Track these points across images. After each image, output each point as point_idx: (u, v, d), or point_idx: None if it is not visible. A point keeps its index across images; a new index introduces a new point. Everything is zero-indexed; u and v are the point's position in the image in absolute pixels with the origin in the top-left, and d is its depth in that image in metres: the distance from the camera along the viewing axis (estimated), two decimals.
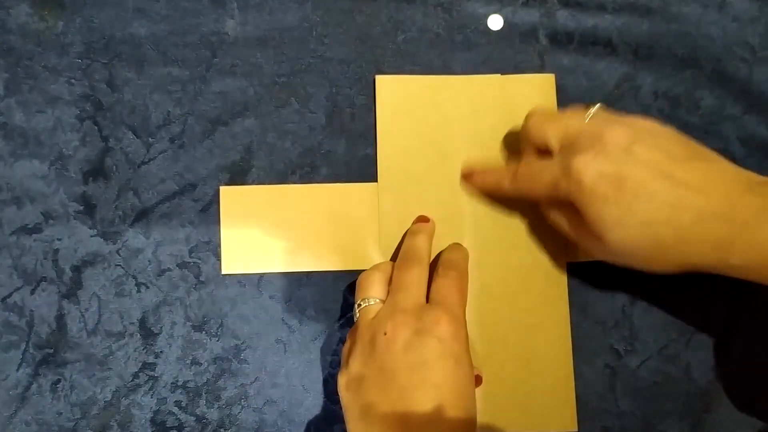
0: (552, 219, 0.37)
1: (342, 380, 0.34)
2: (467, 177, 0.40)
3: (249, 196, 0.39)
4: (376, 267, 0.37)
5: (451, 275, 0.36)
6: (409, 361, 0.32)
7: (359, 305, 0.35)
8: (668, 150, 0.32)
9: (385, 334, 0.33)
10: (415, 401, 0.31)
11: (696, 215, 0.31)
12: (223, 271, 0.39)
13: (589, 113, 0.35)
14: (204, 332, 0.39)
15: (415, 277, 0.35)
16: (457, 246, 0.39)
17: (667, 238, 0.31)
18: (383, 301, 0.35)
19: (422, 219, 0.39)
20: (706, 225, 0.30)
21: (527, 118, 0.37)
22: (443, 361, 0.32)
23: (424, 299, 0.35)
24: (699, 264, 0.32)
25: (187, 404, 0.39)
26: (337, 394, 0.34)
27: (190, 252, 0.39)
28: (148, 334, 0.39)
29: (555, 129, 0.35)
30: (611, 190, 0.32)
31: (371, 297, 0.35)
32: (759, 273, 0.30)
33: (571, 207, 0.34)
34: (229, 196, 0.39)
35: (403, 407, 0.31)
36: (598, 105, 0.35)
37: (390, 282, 0.36)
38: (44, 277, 0.39)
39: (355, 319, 0.35)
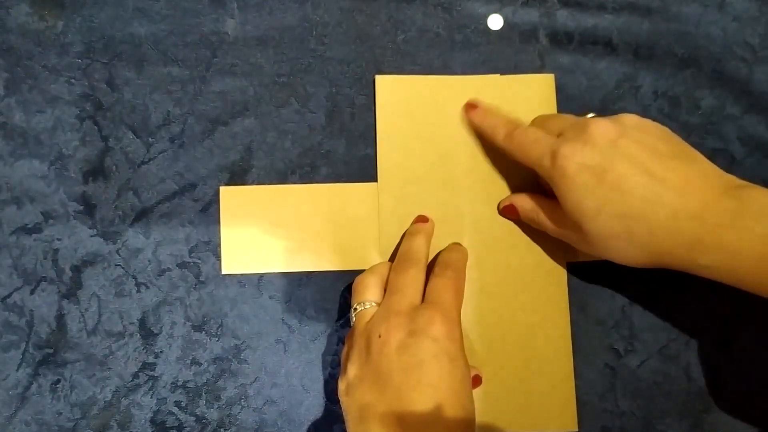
0: (529, 203, 0.38)
1: (342, 385, 0.34)
2: (470, 107, 0.40)
3: (249, 196, 0.39)
4: (371, 270, 0.37)
5: (447, 275, 0.36)
6: (403, 363, 0.32)
7: (355, 309, 0.35)
8: (653, 147, 0.33)
9: (380, 336, 0.33)
10: (412, 402, 0.31)
11: (671, 213, 0.31)
12: (224, 271, 0.39)
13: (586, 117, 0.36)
14: (204, 332, 0.39)
15: (410, 279, 0.35)
16: (455, 246, 0.39)
17: (641, 232, 0.32)
18: (379, 304, 0.35)
19: (421, 219, 0.39)
20: (679, 223, 0.31)
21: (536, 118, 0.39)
22: (438, 360, 0.32)
23: (419, 300, 0.35)
24: (670, 262, 0.32)
25: (187, 404, 0.39)
26: (337, 394, 0.34)
27: (190, 252, 0.39)
28: (148, 334, 0.39)
29: (556, 120, 0.37)
30: (592, 180, 0.33)
31: (366, 300, 0.35)
32: (727, 275, 0.31)
33: (549, 189, 0.35)
34: (229, 196, 0.39)
35: (399, 408, 0.31)
36: (591, 114, 0.37)
37: (386, 284, 0.36)
38: (44, 277, 0.39)
39: (351, 324, 0.35)
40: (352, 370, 0.33)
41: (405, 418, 0.31)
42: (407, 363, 0.32)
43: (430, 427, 0.31)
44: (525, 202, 0.38)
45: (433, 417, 0.31)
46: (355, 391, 0.33)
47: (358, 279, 0.36)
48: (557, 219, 0.36)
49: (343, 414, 0.33)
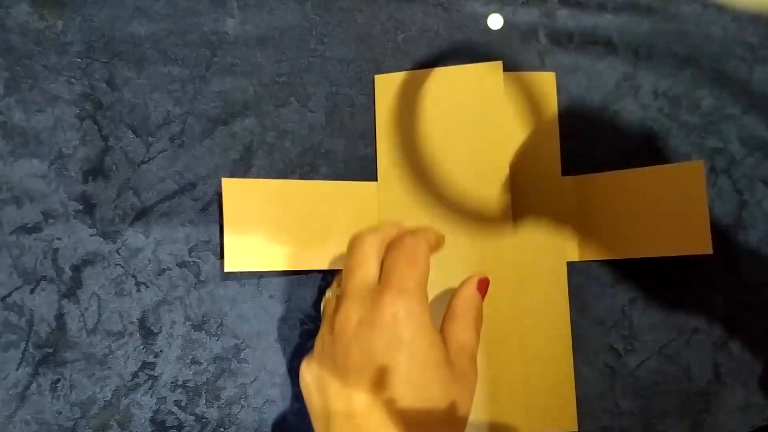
0: None
1: (305, 378, 0.32)
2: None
3: (251, 190, 0.39)
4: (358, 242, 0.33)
5: (396, 251, 0.31)
6: (358, 357, 0.29)
7: (330, 292, 0.34)
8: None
9: (333, 330, 0.31)
10: (368, 399, 0.29)
11: None
12: (226, 269, 0.39)
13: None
14: (204, 332, 0.39)
15: (363, 254, 0.32)
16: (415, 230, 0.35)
17: None
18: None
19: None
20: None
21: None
22: (391, 349, 0.29)
23: (373, 280, 0.31)
24: None
25: (186, 404, 0.39)
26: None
27: (190, 251, 0.39)
28: (147, 333, 0.39)
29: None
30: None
31: (330, 290, 0.33)
32: None
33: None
34: (232, 188, 0.39)
35: (358, 405, 0.29)
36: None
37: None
38: (44, 276, 0.39)
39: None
40: (314, 364, 0.31)
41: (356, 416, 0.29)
42: (361, 359, 0.29)
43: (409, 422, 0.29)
44: None
45: (395, 418, 0.29)
46: (319, 388, 0.31)
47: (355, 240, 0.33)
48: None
49: (308, 409, 0.32)
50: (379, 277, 0.31)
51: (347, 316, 0.30)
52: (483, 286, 0.34)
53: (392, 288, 0.30)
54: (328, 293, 0.34)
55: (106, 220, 0.39)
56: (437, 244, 0.35)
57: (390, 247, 0.32)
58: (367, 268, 0.31)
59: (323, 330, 0.32)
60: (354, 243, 0.33)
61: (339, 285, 0.33)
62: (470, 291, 0.34)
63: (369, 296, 0.30)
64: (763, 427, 0.38)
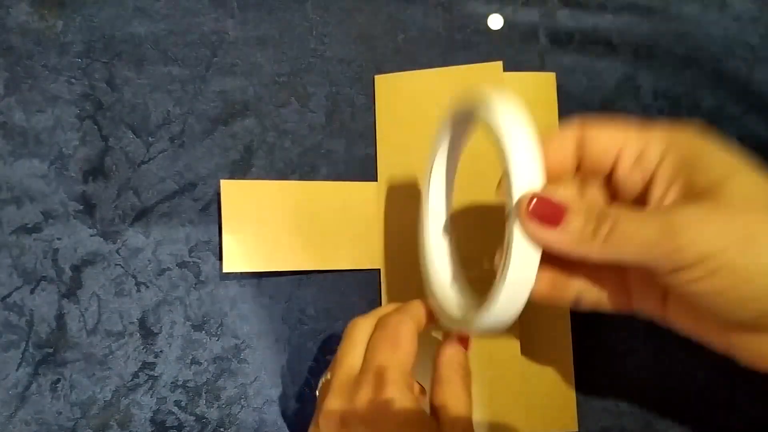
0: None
1: None
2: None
3: (250, 191, 0.39)
4: (353, 330, 0.31)
5: (379, 331, 0.30)
6: None
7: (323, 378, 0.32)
8: None
9: (318, 424, 0.29)
10: None
11: None
12: (224, 269, 0.39)
13: None
14: (204, 332, 0.39)
15: (349, 344, 0.30)
16: (400, 307, 0.32)
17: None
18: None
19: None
20: None
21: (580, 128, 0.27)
22: None
23: (358, 368, 0.29)
24: None
25: (186, 404, 0.39)
26: None
27: (190, 251, 0.39)
28: (147, 333, 0.39)
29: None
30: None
31: (324, 375, 0.31)
32: None
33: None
34: (231, 189, 0.39)
35: None
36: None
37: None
38: (44, 276, 0.39)
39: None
40: None
41: None
42: None
43: None
44: (580, 201, 0.26)
45: None
46: None
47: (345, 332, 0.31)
48: (647, 219, 0.24)
49: None
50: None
51: (330, 411, 0.28)
52: (464, 341, 0.32)
53: (370, 380, 0.28)
54: (323, 378, 0.32)
55: (106, 220, 0.39)
56: (427, 319, 0.32)
57: (376, 327, 0.31)
58: (352, 357, 0.30)
59: (314, 419, 0.30)
60: (347, 329, 0.31)
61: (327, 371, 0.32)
62: (452, 350, 0.31)
63: (352, 387, 0.28)
64: (763, 427, 0.39)
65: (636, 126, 0.27)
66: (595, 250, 0.25)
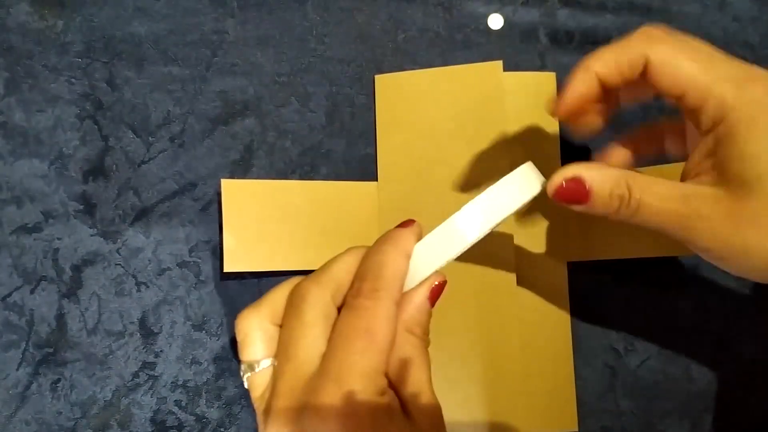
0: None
1: None
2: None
3: (251, 190, 0.39)
4: (255, 306, 0.26)
5: (348, 312, 0.24)
6: None
7: (242, 373, 0.26)
8: None
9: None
10: None
11: None
12: (225, 269, 0.39)
13: None
14: (204, 331, 0.39)
15: (298, 330, 0.24)
16: (375, 249, 0.28)
17: None
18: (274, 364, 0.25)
19: (403, 224, 0.29)
20: None
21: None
22: None
23: (315, 367, 0.24)
24: None
25: (187, 404, 0.39)
26: None
27: (190, 251, 0.39)
28: (148, 333, 0.39)
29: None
30: None
31: (253, 361, 0.26)
32: None
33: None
34: (231, 189, 0.39)
35: None
36: None
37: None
38: (44, 276, 0.39)
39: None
40: None
41: None
42: None
43: None
44: (606, 176, 0.26)
45: None
46: None
47: (237, 321, 0.26)
48: (670, 195, 0.25)
49: None
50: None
51: (284, 409, 0.23)
52: (436, 293, 0.27)
53: (335, 380, 0.22)
54: (244, 371, 0.26)
55: (106, 220, 0.39)
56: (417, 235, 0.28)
57: (345, 309, 0.25)
58: (307, 346, 0.23)
59: (263, 419, 0.25)
60: (292, 299, 0.25)
61: (247, 361, 0.26)
62: (417, 303, 0.27)
63: (305, 399, 0.23)
64: (763, 428, 0.39)
65: (718, 66, 0.27)
66: (622, 220, 0.27)
